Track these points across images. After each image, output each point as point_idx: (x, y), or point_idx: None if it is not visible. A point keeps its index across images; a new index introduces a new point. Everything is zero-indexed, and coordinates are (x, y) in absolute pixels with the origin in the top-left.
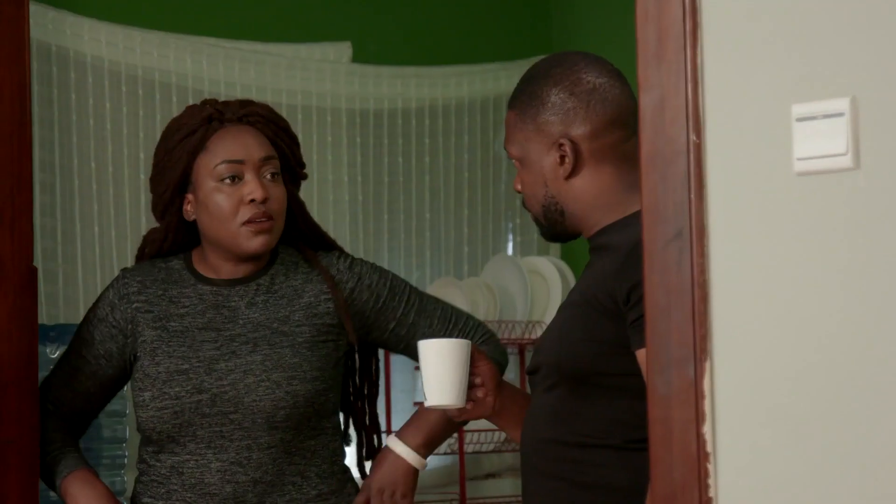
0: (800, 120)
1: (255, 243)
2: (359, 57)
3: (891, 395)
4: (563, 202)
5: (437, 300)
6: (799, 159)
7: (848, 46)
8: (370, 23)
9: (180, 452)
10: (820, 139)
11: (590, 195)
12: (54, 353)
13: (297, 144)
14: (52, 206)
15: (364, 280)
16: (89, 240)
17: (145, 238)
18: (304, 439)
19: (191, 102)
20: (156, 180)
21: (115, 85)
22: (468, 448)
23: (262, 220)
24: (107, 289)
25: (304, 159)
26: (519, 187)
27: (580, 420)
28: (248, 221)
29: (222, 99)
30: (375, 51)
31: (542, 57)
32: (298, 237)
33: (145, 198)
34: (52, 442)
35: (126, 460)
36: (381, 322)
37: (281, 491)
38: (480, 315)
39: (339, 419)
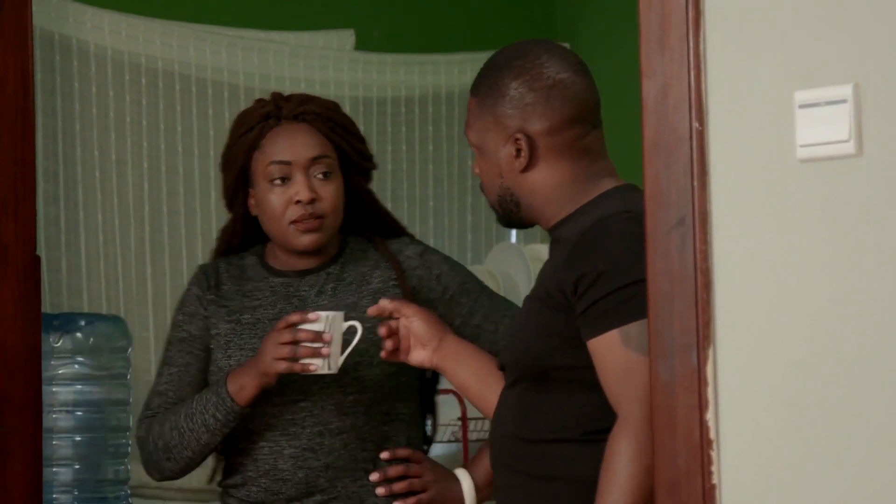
0: (802, 107)
1: (303, 241)
2: (362, 45)
3: (893, 381)
4: (518, 194)
5: (508, 306)
6: (802, 146)
7: (850, 33)
8: (373, 10)
9: (256, 440)
10: (823, 126)
11: (545, 189)
12: (57, 341)
13: (360, 139)
14: (56, 194)
15: (434, 269)
16: (93, 228)
17: (218, 234)
18: (377, 425)
19: (194, 91)
20: (223, 170)
21: (117, 73)
22: (472, 436)
23: (309, 219)
24: (188, 287)
25: None
26: (477, 171)
27: (540, 415)
28: (296, 221)
29: (226, 87)
30: (378, 38)
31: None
32: (367, 226)
33: (148, 186)
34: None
35: (129, 449)
36: (447, 317)
37: (353, 476)
38: None
39: (417, 407)
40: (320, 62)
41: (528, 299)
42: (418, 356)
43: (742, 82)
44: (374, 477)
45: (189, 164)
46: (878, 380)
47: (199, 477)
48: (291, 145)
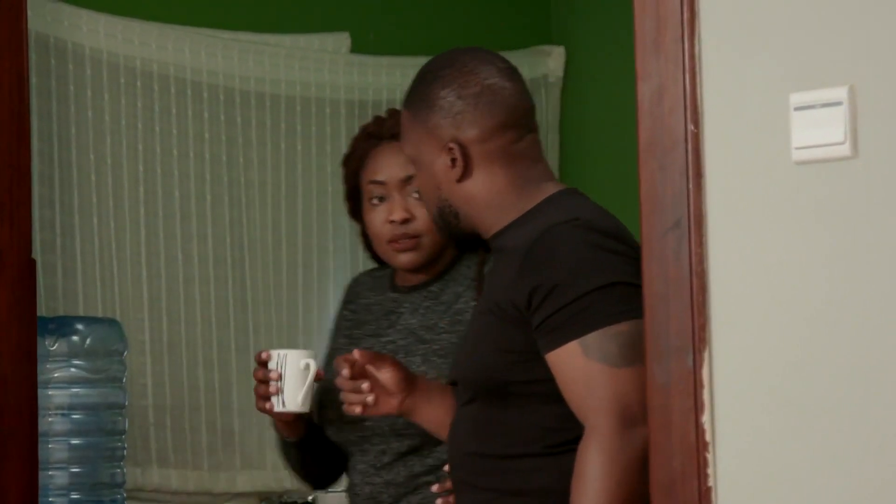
0: (798, 109)
1: (401, 260)
2: (357, 47)
3: (890, 383)
4: (456, 204)
5: None
6: (797, 148)
7: (846, 35)
8: (368, 13)
9: (350, 456)
10: (818, 128)
11: (482, 197)
12: (53, 345)
13: None
14: (51, 198)
15: None
16: (88, 232)
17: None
18: (435, 444)
19: (189, 94)
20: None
21: (113, 76)
22: None
23: (404, 239)
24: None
25: (303, 152)
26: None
27: (501, 431)
28: (392, 240)
29: (221, 90)
30: (374, 41)
31: (541, 47)
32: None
33: (144, 189)
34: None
35: (125, 452)
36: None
37: (414, 492)
38: None
39: None
40: (316, 65)
41: (478, 313)
42: (386, 406)
43: (737, 84)
44: (434, 488)
45: (184, 167)
46: (875, 381)
47: (195, 480)
48: (387, 164)
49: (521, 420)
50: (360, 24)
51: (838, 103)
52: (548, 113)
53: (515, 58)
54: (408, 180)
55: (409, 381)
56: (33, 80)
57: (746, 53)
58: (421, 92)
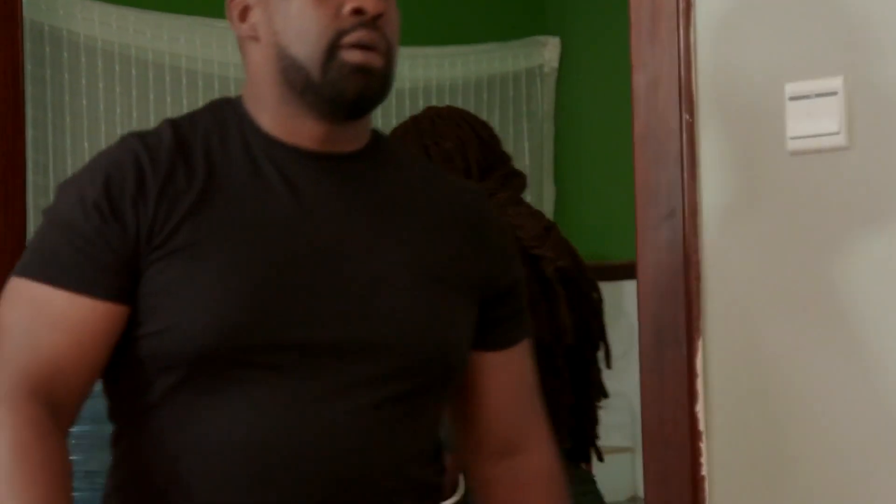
0: (793, 99)
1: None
2: None
3: (882, 373)
4: None
5: None
6: (792, 138)
7: (841, 26)
8: None
9: None
10: (813, 118)
11: None
12: None
13: None
14: (46, 186)
15: None
16: None
17: None
18: None
19: (184, 83)
20: None
21: (108, 65)
22: None
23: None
24: None
25: None
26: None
27: (424, 433)
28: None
29: (216, 79)
30: None
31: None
32: None
33: None
34: None
35: None
36: None
37: None
38: None
39: None
40: None
41: (431, 282)
42: None
43: (732, 74)
44: None
45: None
46: (868, 371)
47: None
48: None
49: (435, 423)
50: None
51: (833, 93)
52: (543, 103)
53: (511, 48)
54: None
55: None
56: (28, 68)
57: (741, 43)
58: None
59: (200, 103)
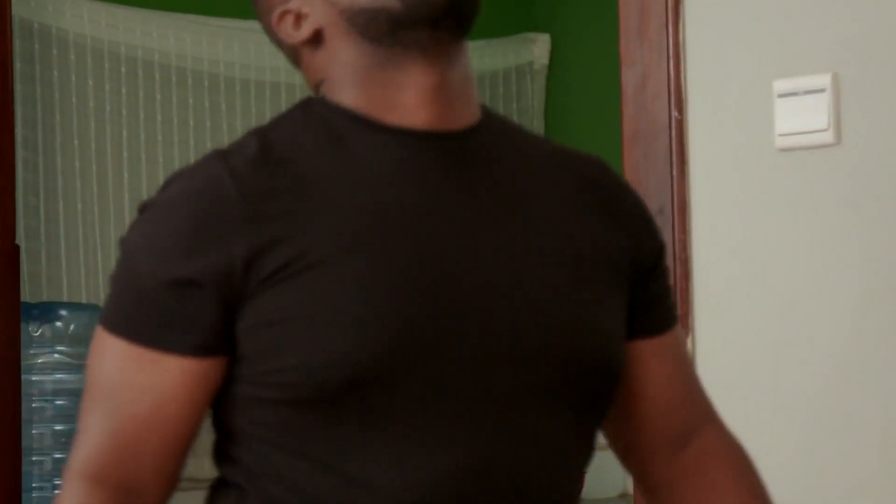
0: (781, 96)
1: None
2: None
3: (870, 365)
4: None
5: None
6: (780, 135)
7: (829, 22)
8: None
9: None
10: (801, 115)
11: None
12: (37, 330)
13: None
14: (35, 184)
15: None
16: (72, 218)
17: None
18: None
19: (174, 80)
20: None
21: (97, 62)
22: None
23: None
24: None
25: None
26: None
27: (589, 448)
28: None
29: (206, 77)
30: None
31: (526, 34)
32: None
33: (128, 175)
34: None
35: None
36: None
37: None
38: None
39: None
40: None
41: (579, 275)
42: None
43: (721, 71)
44: None
45: (169, 153)
46: (856, 364)
47: None
48: None
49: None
50: None
51: (822, 90)
52: (533, 100)
53: (501, 45)
54: None
55: None
56: (17, 65)
57: (730, 40)
58: None
59: (190, 101)
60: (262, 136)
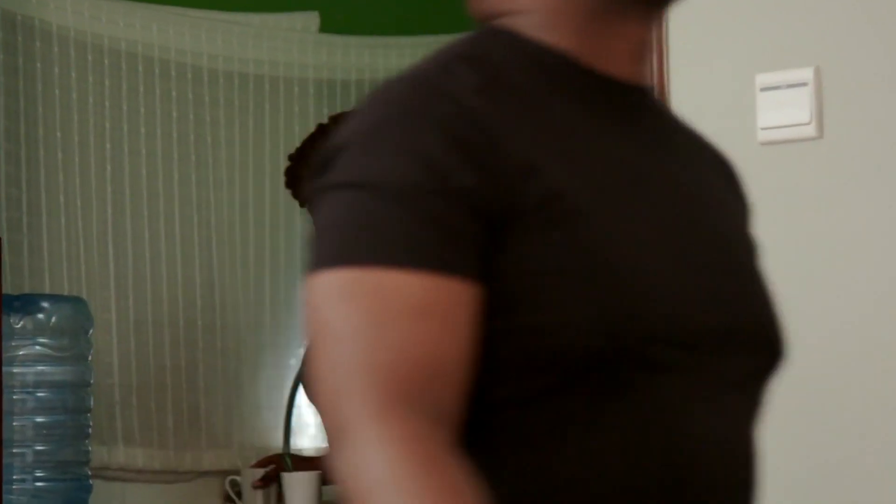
0: (764, 90)
1: None
2: (326, 27)
3: (860, 359)
4: None
5: None
6: (763, 129)
7: (812, 16)
8: None
9: None
10: (784, 109)
11: None
12: (18, 322)
13: None
14: (18, 176)
15: None
16: (55, 210)
17: None
18: None
19: (157, 72)
20: None
21: (81, 54)
22: None
23: None
24: None
25: (271, 131)
26: None
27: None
28: None
29: (189, 69)
30: (343, 21)
31: None
32: None
33: (111, 167)
34: None
35: (91, 430)
36: None
37: None
38: None
39: None
40: (284, 44)
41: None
42: None
43: (704, 65)
44: None
45: (152, 145)
46: (843, 357)
47: (160, 459)
48: None
49: None
50: (329, 3)
51: (804, 84)
52: None
53: None
54: None
55: None
56: (0, 57)
57: (713, 34)
58: None
59: (173, 93)
60: (472, 62)
